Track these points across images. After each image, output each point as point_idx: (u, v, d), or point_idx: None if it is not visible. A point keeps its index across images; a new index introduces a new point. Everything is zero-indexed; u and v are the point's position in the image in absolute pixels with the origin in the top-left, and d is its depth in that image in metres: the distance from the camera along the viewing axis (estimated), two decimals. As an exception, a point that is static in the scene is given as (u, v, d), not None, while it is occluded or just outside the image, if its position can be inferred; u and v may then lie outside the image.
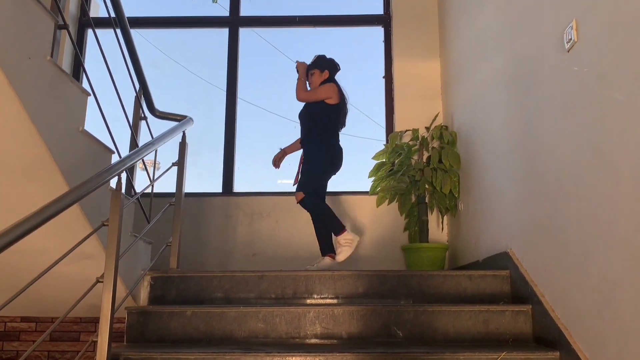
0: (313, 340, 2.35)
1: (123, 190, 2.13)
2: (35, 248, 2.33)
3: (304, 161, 3.48)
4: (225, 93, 4.47)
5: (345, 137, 4.95)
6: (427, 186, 3.70)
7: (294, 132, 4.87)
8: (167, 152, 3.10)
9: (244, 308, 2.39)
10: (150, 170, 3.07)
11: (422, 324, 2.36)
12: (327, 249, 3.33)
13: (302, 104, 3.60)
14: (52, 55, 1.95)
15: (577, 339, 1.97)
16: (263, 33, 4.77)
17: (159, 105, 3.15)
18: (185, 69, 4.82)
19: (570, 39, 1.98)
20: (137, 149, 2.35)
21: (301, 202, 3.35)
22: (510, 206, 2.66)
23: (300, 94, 3.51)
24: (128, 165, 2.18)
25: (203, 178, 4.46)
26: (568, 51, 2.01)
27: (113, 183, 2.34)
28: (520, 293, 2.49)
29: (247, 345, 2.28)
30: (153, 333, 2.39)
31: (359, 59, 4.95)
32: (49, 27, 1.92)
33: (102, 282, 2.03)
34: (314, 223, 3.37)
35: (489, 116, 3.02)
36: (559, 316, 2.12)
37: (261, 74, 4.88)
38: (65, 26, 2.08)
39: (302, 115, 3.58)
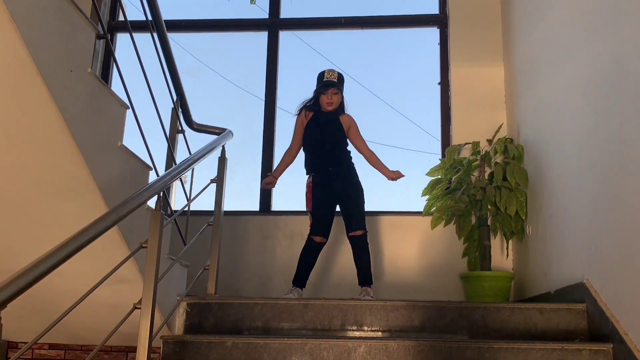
0: (364, 378, 2.39)
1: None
2: (66, 271, 2.44)
3: (344, 191, 3.50)
4: (263, 102, 4.59)
5: (395, 150, 5.02)
6: (489, 207, 3.70)
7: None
8: (201, 164, 3.21)
9: (289, 340, 2.45)
10: (180, 184, 3.20)
11: (487, 363, 2.37)
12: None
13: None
14: (92, 67, 2.08)
15: (668, 385, 1.95)
16: (305, 36, 4.89)
17: (193, 116, 3.27)
18: (220, 76, 4.97)
19: (658, 45, 1.99)
20: (176, 165, 2.46)
21: (360, 240, 3.44)
22: (587, 231, 2.65)
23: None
24: (168, 183, 2.29)
25: (239, 195, 4.57)
26: (655, 59, 2.02)
27: (150, 202, 2.46)
28: (599, 330, 2.47)
29: (292, 381, 2.35)
30: (190, 365, 2.47)
31: (411, 64, 5.01)
32: (90, 37, 2.05)
33: (139, 308, 2.13)
34: (366, 255, 3.46)
35: (563, 128, 3.02)
36: (646, 358, 2.10)
37: (302, 82, 4.98)
38: (104, 36, 2.22)
39: (324, 128, 3.57)
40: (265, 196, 4.41)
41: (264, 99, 4.60)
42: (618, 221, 2.35)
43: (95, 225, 1.82)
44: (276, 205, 4.43)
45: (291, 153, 3.66)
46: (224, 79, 4.99)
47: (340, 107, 3.63)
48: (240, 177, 4.63)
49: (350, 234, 3.46)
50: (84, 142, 1.98)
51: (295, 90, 4.84)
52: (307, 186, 3.55)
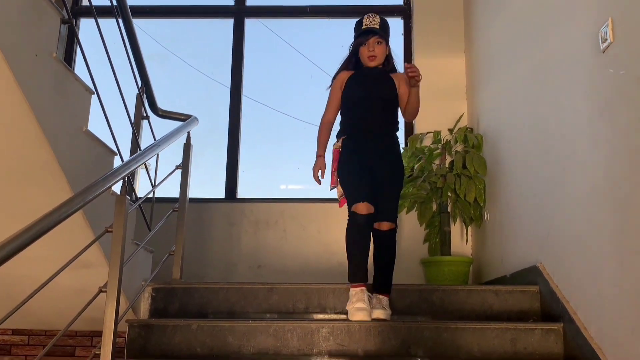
0: (326, 358, 2.46)
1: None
2: (30, 256, 2.44)
3: (379, 166, 2.77)
4: (229, 90, 4.60)
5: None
6: (449, 194, 3.81)
7: (304, 134, 5.03)
8: (166, 152, 3.23)
9: (253, 322, 2.51)
10: (144, 172, 3.21)
11: (445, 343, 2.47)
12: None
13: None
14: (56, 52, 2.08)
15: (611, 360, 2.07)
16: (271, 24, 4.91)
17: (158, 103, 3.27)
18: (185, 63, 4.95)
19: (606, 39, 2.09)
20: (141, 151, 2.48)
21: (389, 234, 2.73)
22: (540, 216, 2.77)
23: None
24: (133, 168, 2.31)
25: (205, 182, 4.58)
26: (603, 52, 2.13)
27: (115, 187, 2.48)
28: (551, 310, 2.60)
29: (257, 362, 2.41)
30: (156, 348, 2.51)
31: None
32: (55, 22, 2.06)
33: (105, 291, 2.15)
34: (390, 260, 2.74)
35: (519, 118, 3.13)
36: (592, 335, 2.23)
37: (268, 70, 5.01)
38: (69, 20, 2.21)
39: (370, 82, 2.85)
40: (231, 184, 4.44)
41: (229, 86, 4.61)
42: (567, 208, 2.46)
43: (60, 208, 1.83)
44: (242, 192, 4.47)
45: (328, 124, 2.91)
46: (189, 66, 4.97)
47: (389, 64, 2.91)
48: (206, 164, 4.64)
49: (375, 226, 2.71)
50: (49, 127, 1.99)
51: (261, 78, 4.87)
52: (334, 152, 2.85)
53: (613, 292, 2.06)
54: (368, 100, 2.83)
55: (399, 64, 2.99)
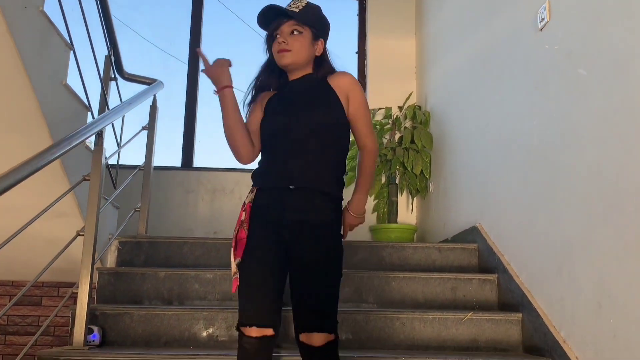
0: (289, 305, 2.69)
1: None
2: (5, 205, 2.58)
3: (302, 243, 1.77)
4: (182, 63, 4.75)
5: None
6: (398, 166, 4.10)
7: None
8: (127, 124, 3.36)
9: (219, 271, 2.71)
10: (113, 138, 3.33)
11: (392, 290, 2.75)
12: None
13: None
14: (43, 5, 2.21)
15: (538, 299, 2.40)
16: (228, 2, 5.07)
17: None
18: (143, 39, 5.05)
19: (543, 19, 2.40)
20: (115, 106, 2.63)
21: (326, 352, 1.70)
22: (481, 182, 3.08)
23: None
24: (108, 122, 2.46)
25: (160, 150, 4.71)
26: (541, 30, 2.43)
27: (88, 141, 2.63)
28: (488, 265, 2.92)
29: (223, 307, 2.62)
30: (125, 294, 2.67)
31: (331, 33, 5.31)
32: (40, -23, 2.19)
33: (82, 235, 2.31)
34: None
35: (464, 95, 3.44)
36: (523, 281, 2.55)
37: (224, 46, 5.17)
38: (50, -22, 2.34)
39: (295, 102, 1.85)
40: (188, 152, 4.59)
41: (186, 61, 4.76)
42: (505, 171, 2.78)
43: (42, 154, 1.94)
44: (197, 161, 4.63)
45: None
46: (146, 40, 5.06)
47: (322, 67, 1.89)
48: (161, 134, 4.76)
49: (300, 337, 1.72)
50: (35, 77, 2.13)
51: (218, 52, 5.02)
52: (243, 209, 1.85)
53: (543, 241, 2.38)
54: (289, 132, 1.78)
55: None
